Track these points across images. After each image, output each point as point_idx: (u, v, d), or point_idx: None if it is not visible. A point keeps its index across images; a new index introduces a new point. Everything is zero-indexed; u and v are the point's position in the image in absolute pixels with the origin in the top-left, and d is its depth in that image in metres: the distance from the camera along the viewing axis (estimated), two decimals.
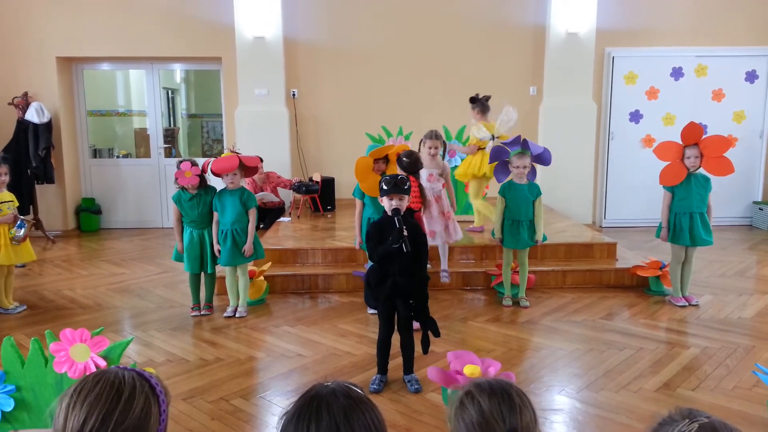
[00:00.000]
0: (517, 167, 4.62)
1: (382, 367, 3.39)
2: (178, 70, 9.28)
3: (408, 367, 3.39)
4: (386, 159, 4.61)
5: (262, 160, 6.55)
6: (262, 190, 7.02)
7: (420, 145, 4.93)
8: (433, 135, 4.83)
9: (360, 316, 4.49)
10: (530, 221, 4.63)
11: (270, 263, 5.12)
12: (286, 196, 7.53)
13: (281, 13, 7.38)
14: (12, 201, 4.70)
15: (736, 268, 5.83)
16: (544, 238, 4.79)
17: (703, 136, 4.52)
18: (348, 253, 5.40)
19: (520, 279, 4.79)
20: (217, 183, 4.69)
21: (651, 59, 7.66)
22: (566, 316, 4.52)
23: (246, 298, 4.63)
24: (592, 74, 7.53)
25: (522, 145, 4.66)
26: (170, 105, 9.17)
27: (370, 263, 3.63)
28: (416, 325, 3.33)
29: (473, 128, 5.62)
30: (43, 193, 7.56)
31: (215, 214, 4.51)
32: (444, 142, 4.95)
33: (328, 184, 7.35)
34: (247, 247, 4.48)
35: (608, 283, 5.23)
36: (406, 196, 3.30)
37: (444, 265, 5.05)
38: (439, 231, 4.79)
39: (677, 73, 7.70)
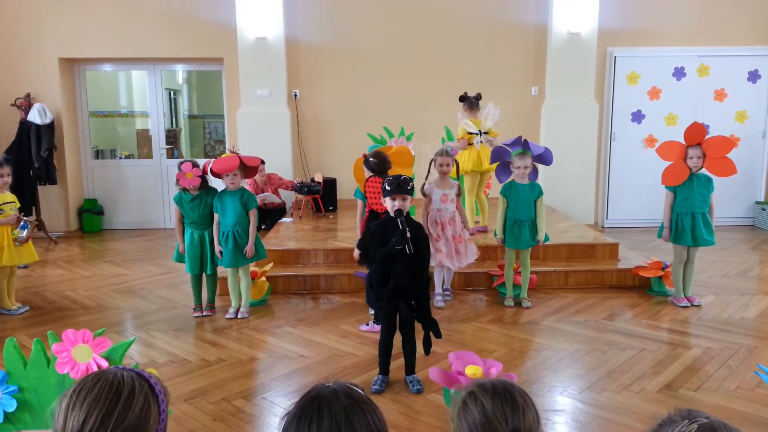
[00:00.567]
0: (519, 167, 4.62)
1: (384, 367, 3.39)
2: (180, 71, 9.30)
3: (410, 367, 3.39)
4: None
5: (263, 162, 6.56)
6: (264, 192, 7.03)
7: (430, 164, 4.82)
8: (444, 152, 4.65)
9: (361, 316, 4.49)
10: (532, 221, 4.63)
11: (272, 264, 5.13)
12: (288, 196, 7.54)
13: (283, 14, 7.38)
14: (14, 202, 4.70)
15: (739, 269, 5.82)
16: (547, 238, 4.79)
17: (707, 137, 4.52)
18: (350, 253, 5.36)
19: (522, 279, 4.78)
20: (217, 184, 4.69)
21: (653, 59, 7.65)
22: (568, 316, 4.52)
23: (248, 299, 4.63)
24: (594, 74, 7.53)
25: (523, 145, 4.66)
26: (172, 106, 9.18)
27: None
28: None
29: (461, 123, 5.76)
30: (46, 194, 7.57)
31: (215, 216, 4.51)
32: (455, 161, 4.76)
33: (330, 184, 7.35)
34: (249, 248, 4.48)
35: (610, 283, 5.22)
36: (409, 197, 3.30)
37: (439, 288, 4.78)
38: (448, 252, 4.56)
39: (679, 73, 7.69)
